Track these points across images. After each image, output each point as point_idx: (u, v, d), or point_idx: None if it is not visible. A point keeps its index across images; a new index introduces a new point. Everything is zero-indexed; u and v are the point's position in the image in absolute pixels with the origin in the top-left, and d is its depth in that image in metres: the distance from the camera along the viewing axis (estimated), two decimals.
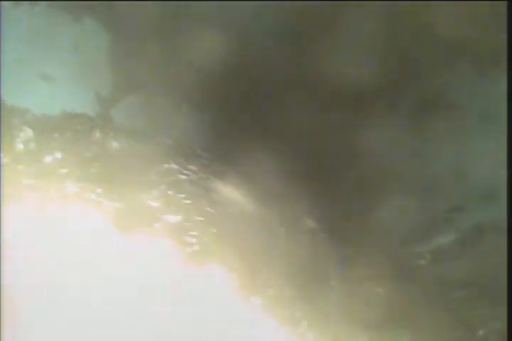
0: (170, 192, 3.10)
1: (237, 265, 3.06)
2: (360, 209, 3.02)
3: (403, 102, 2.99)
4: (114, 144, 2.98)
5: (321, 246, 2.98)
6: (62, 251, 2.95)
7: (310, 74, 2.95)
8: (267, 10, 2.81)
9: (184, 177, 3.11)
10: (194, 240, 3.13)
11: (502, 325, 2.69)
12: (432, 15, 2.75)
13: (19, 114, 2.82)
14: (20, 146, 2.90)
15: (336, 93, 2.98)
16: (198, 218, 3.13)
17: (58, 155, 2.92)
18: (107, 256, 2.99)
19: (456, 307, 2.91)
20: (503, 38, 2.62)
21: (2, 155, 2.87)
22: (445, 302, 2.91)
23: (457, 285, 2.95)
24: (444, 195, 3.00)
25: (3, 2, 2.53)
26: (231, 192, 3.13)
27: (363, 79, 2.91)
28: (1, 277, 2.75)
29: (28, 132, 2.89)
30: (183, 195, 3.09)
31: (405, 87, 2.97)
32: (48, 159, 2.94)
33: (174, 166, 3.03)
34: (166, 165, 3.01)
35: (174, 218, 3.12)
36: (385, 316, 2.87)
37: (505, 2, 2.54)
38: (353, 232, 3.01)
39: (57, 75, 2.75)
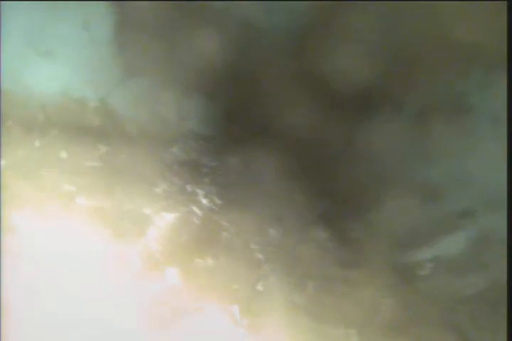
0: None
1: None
2: (361, 210, 2.89)
3: (408, 104, 2.98)
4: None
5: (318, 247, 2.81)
6: None
7: (312, 72, 2.97)
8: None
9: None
10: None
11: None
12: (442, 16, 2.81)
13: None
14: None
15: (338, 93, 2.97)
16: None
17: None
18: None
19: (458, 323, 2.68)
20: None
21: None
22: (445, 316, 2.68)
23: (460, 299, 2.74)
24: (449, 199, 2.88)
25: None
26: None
27: (366, 80, 2.92)
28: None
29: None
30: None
31: (411, 88, 2.97)
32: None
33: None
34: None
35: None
36: (381, 326, 2.64)
37: (506, 2, 2.61)
38: (352, 234, 2.86)
39: (60, 53, 2.75)
